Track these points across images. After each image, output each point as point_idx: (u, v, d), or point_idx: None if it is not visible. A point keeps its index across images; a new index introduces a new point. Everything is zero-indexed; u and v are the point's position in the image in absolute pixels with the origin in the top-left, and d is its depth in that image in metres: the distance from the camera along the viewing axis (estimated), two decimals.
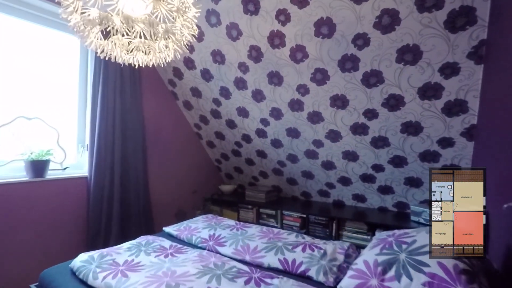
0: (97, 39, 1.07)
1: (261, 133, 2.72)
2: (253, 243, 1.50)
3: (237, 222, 1.92)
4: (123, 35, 1.12)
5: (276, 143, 2.71)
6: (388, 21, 1.58)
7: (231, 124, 2.80)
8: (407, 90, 1.79)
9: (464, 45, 1.52)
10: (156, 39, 1.14)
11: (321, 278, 1.17)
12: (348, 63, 1.84)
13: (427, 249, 0.97)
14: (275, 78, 2.20)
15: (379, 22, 1.60)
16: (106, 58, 1.15)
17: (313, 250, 1.36)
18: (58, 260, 1.80)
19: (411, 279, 0.90)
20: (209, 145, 3.24)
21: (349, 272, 1.06)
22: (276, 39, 1.96)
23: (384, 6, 1.54)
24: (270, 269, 1.29)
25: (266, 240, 1.52)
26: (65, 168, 2.10)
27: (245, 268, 1.21)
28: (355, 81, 1.90)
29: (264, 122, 2.59)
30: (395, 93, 1.83)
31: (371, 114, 2.01)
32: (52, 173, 2.01)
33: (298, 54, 1.96)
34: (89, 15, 1.00)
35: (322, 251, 1.35)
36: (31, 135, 1.99)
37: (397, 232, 1.16)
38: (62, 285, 1.19)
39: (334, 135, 2.30)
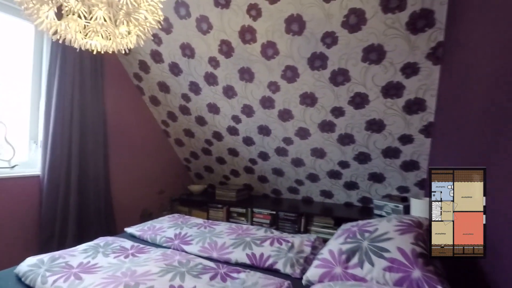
0: (50, 19, 0.97)
1: (232, 131, 2.68)
2: (221, 240, 1.46)
3: (206, 220, 1.87)
4: (79, 17, 1.04)
5: (248, 141, 2.69)
6: (355, 20, 1.64)
7: (201, 121, 2.73)
8: (371, 88, 1.87)
9: (424, 46, 1.62)
10: (117, 24, 1.06)
11: (288, 270, 1.17)
12: (317, 61, 1.88)
13: (387, 236, 1.01)
14: (246, 74, 2.18)
15: (347, 21, 1.66)
16: (60, 41, 1.05)
17: (280, 244, 1.36)
18: (3, 268, 1.62)
19: (373, 265, 0.93)
20: (177, 144, 3.13)
21: (315, 262, 1.07)
22: (247, 34, 1.94)
23: (351, 6, 1.59)
24: (238, 264, 1.26)
25: (234, 236, 1.49)
26: (13, 166, 1.90)
27: (211, 264, 1.17)
28: (324, 79, 1.94)
29: (236, 119, 2.56)
30: (361, 92, 1.90)
31: (338, 112, 2.07)
32: None
33: (269, 50, 1.96)
34: None
35: (289, 244, 1.35)
36: None
37: (360, 222, 1.20)
38: None
39: (303, 133, 2.34)
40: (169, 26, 2.10)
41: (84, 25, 1.04)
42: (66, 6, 0.94)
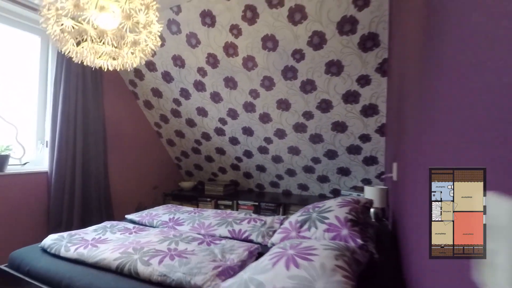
0: (72, 45, 1.27)
1: (219, 132, 3.00)
2: (208, 221, 1.77)
3: (195, 208, 2.18)
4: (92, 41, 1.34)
5: (234, 141, 3.01)
6: (317, 40, 1.99)
7: (191, 123, 3.04)
8: (334, 96, 2.22)
9: (373, 62, 1.99)
10: (124, 46, 1.37)
11: (259, 239, 1.50)
12: (289, 73, 2.22)
13: (330, 208, 1.35)
14: (230, 83, 2.50)
15: (311, 41, 2.01)
16: (79, 62, 1.35)
17: (256, 222, 1.69)
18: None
19: (316, 228, 1.27)
20: (169, 144, 3.42)
21: (278, 231, 1.40)
22: (230, 49, 2.27)
23: (314, 29, 1.95)
24: (220, 237, 1.58)
25: (219, 218, 1.81)
26: (24, 164, 2.16)
27: (200, 236, 1.48)
28: (295, 88, 2.29)
29: (222, 121, 2.88)
30: (326, 98, 2.26)
31: (308, 115, 2.42)
32: (11, 168, 2.07)
33: (249, 63, 2.30)
34: (62, 25, 1.20)
35: (263, 222, 1.68)
36: None
37: (316, 202, 1.54)
38: (34, 261, 1.34)
39: (280, 133, 2.68)
40: (162, 40, 2.40)
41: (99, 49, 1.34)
42: (87, 37, 1.24)
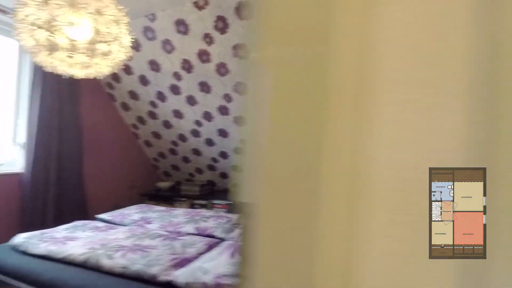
0: (46, 55, 1.36)
1: (195, 133, 3.10)
2: (176, 219, 1.89)
3: (167, 208, 2.28)
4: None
5: (209, 142, 3.13)
6: None
7: (167, 124, 3.13)
8: None
9: None
10: (95, 57, 1.46)
11: (222, 235, 1.63)
12: None
13: None
14: (204, 87, 2.62)
15: None
16: (51, 71, 1.43)
17: (222, 219, 1.82)
18: None
19: None
20: (146, 144, 3.49)
21: (239, 226, 1.54)
22: (204, 55, 2.39)
23: None
24: (187, 233, 1.70)
25: (188, 217, 1.93)
26: None
27: (165, 233, 1.60)
28: None
29: (198, 123, 2.98)
30: None
31: None
32: None
33: (222, 69, 2.42)
34: (34, 38, 1.28)
35: (228, 219, 1.82)
36: None
37: None
38: (3, 258, 1.41)
39: None
40: (138, 46, 2.49)
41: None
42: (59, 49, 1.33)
